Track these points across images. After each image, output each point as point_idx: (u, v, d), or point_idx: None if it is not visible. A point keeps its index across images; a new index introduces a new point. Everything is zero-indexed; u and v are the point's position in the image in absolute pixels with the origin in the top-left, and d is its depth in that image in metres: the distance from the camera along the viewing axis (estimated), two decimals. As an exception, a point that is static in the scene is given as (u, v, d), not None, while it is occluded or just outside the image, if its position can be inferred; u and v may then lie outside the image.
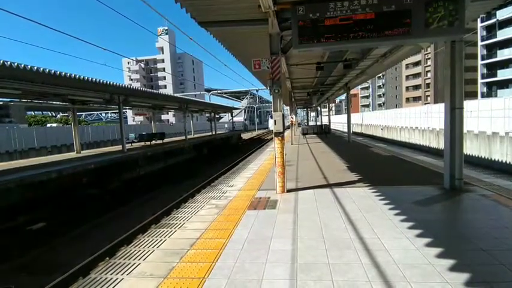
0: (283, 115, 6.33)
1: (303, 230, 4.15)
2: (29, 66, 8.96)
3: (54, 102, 15.20)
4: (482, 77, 44.70)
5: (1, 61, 8.17)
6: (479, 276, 2.77)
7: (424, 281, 2.73)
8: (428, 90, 60.63)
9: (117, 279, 3.11)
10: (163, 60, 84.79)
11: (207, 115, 37.01)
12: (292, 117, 22.42)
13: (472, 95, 41.75)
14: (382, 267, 3.00)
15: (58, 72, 9.91)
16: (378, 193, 5.79)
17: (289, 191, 6.38)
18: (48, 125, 39.40)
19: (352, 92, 19.25)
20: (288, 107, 25.41)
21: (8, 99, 14.72)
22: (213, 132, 34.32)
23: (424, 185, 6.29)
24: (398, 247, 3.44)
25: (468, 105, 18.41)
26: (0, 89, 10.61)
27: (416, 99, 64.98)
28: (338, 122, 58.95)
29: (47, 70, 9.51)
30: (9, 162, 14.56)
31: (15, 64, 8.55)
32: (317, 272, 2.98)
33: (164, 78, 78.45)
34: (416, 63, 64.37)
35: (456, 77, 5.62)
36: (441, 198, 5.42)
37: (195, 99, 31.11)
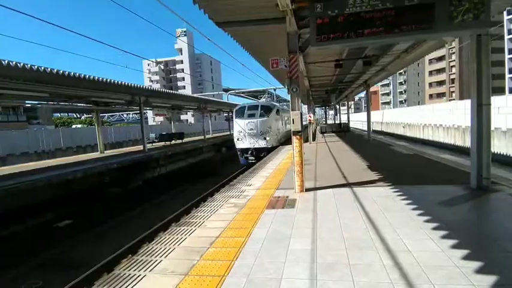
0: (301, 113, 6.27)
1: (323, 229, 4.10)
2: (55, 70, 9.35)
3: (79, 104, 15.81)
4: (510, 71, 42.74)
5: (28, 65, 8.57)
6: (506, 279, 2.65)
7: (449, 283, 2.64)
8: (453, 86, 58.45)
9: (140, 275, 3.19)
10: (182, 61, 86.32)
11: (225, 115, 37.27)
12: (310, 116, 22.17)
13: (500, 91, 39.87)
14: (405, 268, 2.92)
15: (83, 75, 10.29)
16: (400, 193, 5.64)
17: (307, 190, 6.32)
18: (73, 126, 40.95)
19: (372, 89, 18.84)
20: (306, 106, 25.16)
21: (37, 102, 15.47)
22: (231, 132, 34.52)
23: (449, 185, 6.06)
24: (422, 248, 3.34)
25: (496, 101, 17.59)
26: (30, 92, 11.15)
27: (440, 95, 62.74)
28: (357, 120, 57.85)
29: (72, 73, 9.88)
30: (37, 162, 15.23)
31: (42, 68, 8.95)
32: (337, 273, 2.94)
33: (183, 78, 79.69)
34: (440, 58, 62.09)
35: (483, 72, 5.38)
36: (468, 198, 5.22)
37: (213, 99, 31.41)
